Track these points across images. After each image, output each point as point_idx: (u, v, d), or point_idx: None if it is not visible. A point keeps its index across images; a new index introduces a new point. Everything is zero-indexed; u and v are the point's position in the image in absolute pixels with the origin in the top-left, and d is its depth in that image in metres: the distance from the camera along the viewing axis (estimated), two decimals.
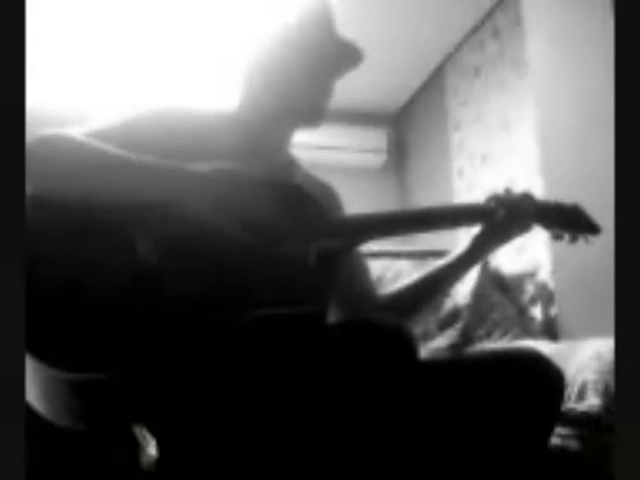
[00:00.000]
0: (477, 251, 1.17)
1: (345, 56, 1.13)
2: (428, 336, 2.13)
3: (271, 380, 0.83)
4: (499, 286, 2.44)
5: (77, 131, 0.98)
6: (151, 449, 1.00)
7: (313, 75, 1.11)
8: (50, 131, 0.94)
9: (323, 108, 1.14)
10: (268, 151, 1.14)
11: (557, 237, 1.15)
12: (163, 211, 0.88)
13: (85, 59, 3.13)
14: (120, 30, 2.95)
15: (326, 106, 1.14)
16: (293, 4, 1.13)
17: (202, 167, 0.93)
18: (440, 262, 1.20)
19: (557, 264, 2.31)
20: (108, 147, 0.92)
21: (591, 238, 1.15)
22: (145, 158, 0.92)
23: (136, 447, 1.01)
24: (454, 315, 2.19)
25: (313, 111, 1.13)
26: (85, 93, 3.30)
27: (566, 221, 1.14)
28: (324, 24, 1.12)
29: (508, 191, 1.15)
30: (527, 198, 1.13)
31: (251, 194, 0.94)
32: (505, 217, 1.11)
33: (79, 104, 3.23)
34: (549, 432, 0.97)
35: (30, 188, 0.86)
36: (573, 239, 1.15)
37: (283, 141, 1.17)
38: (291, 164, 1.20)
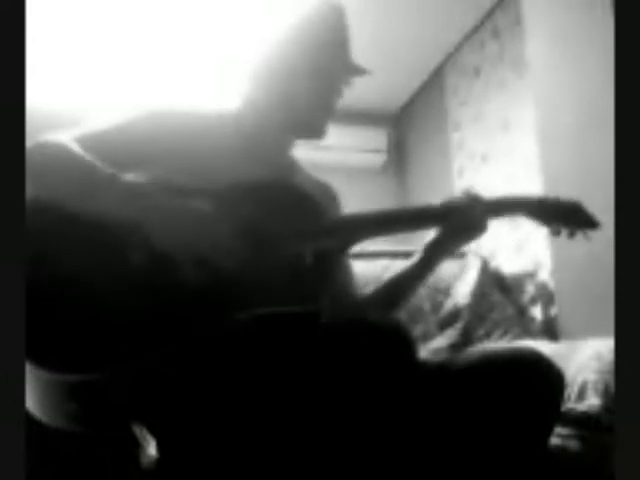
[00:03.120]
0: (431, 257, 1.17)
1: (351, 71, 1.13)
2: (428, 336, 2.13)
3: (270, 379, 0.83)
4: (499, 286, 2.44)
5: (74, 133, 0.98)
6: (151, 449, 1.00)
7: (316, 86, 1.10)
8: (45, 137, 0.95)
9: (323, 124, 1.13)
10: (268, 152, 1.14)
11: (555, 233, 1.15)
12: (138, 231, 0.88)
13: (85, 59, 3.13)
14: (120, 30, 2.95)
15: (327, 121, 1.13)
16: (298, 7, 1.12)
17: (175, 197, 0.93)
18: (401, 267, 1.21)
19: (557, 264, 2.31)
20: (92, 161, 0.92)
21: (590, 233, 1.15)
22: (124, 177, 0.92)
23: (136, 447, 1.01)
24: (454, 315, 2.19)
25: (313, 126, 1.13)
26: (85, 93, 3.30)
27: (564, 217, 1.14)
28: (334, 34, 1.11)
29: (466, 193, 1.14)
30: (475, 202, 1.13)
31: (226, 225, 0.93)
32: (454, 222, 1.12)
33: (79, 104, 3.23)
34: (549, 432, 0.97)
35: (29, 191, 0.86)
36: (571, 234, 1.15)
37: (284, 143, 1.17)
38: (291, 165, 1.20)
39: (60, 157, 0.93)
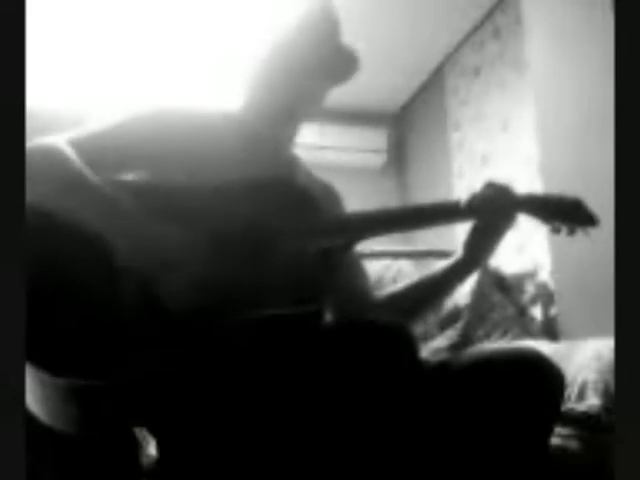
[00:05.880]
0: (472, 254, 1.15)
1: (342, 63, 1.12)
2: (428, 336, 2.13)
3: (271, 380, 0.83)
4: (499, 286, 2.44)
5: (77, 133, 0.98)
6: (151, 449, 1.00)
7: (313, 83, 1.11)
8: (39, 141, 0.95)
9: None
10: (270, 150, 1.14)
11: (555, 230, 1.14)
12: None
13: (85, 59, 3.13)
14: (120, 30, 2.95)
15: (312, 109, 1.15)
16: (297, 7, 1.13)
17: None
18: (439, 268, 1.18)
19: (557, 264, 2.30)
20: (78, 167, 0.92)
21: (590, 231, 1.14)
22: (100, 186, 0.91)
23: (136, 447, 1.01)
24: (454, 315, 2.19)
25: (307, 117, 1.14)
26: (85, 93, 3.30)
27: (564, 214, 1.13)
28: (325, 29, 1.12)
29: (488, 186, 1.12)
30: (504, 190, 1.12)
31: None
32: (485, 211, 1.10)
33: (79, 104, 3.23)
34: (549, 432, 0.97)
35: (27, 194, 0.86)
36: (571, 232, 1.14)
37: (285, 140, 1.17)
38: (293, 163, 1.20)
39: (48, 161, 0.92)
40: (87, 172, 0.92)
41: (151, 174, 1.01)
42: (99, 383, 0.78)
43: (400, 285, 1.22)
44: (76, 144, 0.96)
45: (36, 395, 0.81)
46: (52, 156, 0.93)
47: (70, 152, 0.94)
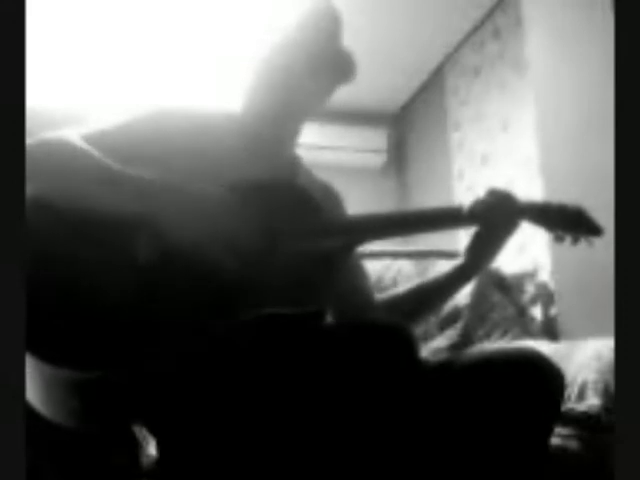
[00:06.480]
0: (474, 259, 1.15)
1: (343, 64, 1.12)
2: (428, 336, 2.13)
3: (271, 380, 0.83)
4: (499, 286, 2.44)
5: (77, 132, 0.98)
6: (151, 449, 1.00)
7: (314, 84, 1.11)
8: (50, 134, 0.94)
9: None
10: (271, 151, 1.14)
11: (559, 239, 1.14)
12: (152, 227, 0.88)
13: (85, 59, 3.13)
14: (120, 30, 2.95)
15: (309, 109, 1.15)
16: (298, 7, 1.13)
17: (194, 186, 0.93)
18: (441, 272, 1.19)
19: (557, 264, 2.31)
20: (102, 157, 0.92)
21: (593, 240, 1.14)
22: (137, 173, 0.92)
23: (136, 447, 1.01)
24: (454, 315, 2.18)
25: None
26: (85, 93, 3.30)
27: (568, 223, 1.13)
28: (326, 28, 1.11)
29: (491, 193, 1.13)
30: (506, 197, 1.12)
31: (244, 206, 0.94)
32: (488, 217, 1.11)
33: (79, 104, 3.23)
34: (549, 432, 0.97)
35: (29, 190, 0.86)
36: (575, 241, 1.14)
37: (286, 141, 1.17)
38: (294, 164, 1.20)
39: (67, 152, 0.92)
40: (119, 166, 0.92)
41: (154, 174, 1.01)
42: (100, 375, 0.79)
43: (401, 288, 1.22)
44: (87, 140, 0.96)
45: (36, 388, 0.82)
46: (76, 151, 0.93)
47: (89, 146, 0.94)
